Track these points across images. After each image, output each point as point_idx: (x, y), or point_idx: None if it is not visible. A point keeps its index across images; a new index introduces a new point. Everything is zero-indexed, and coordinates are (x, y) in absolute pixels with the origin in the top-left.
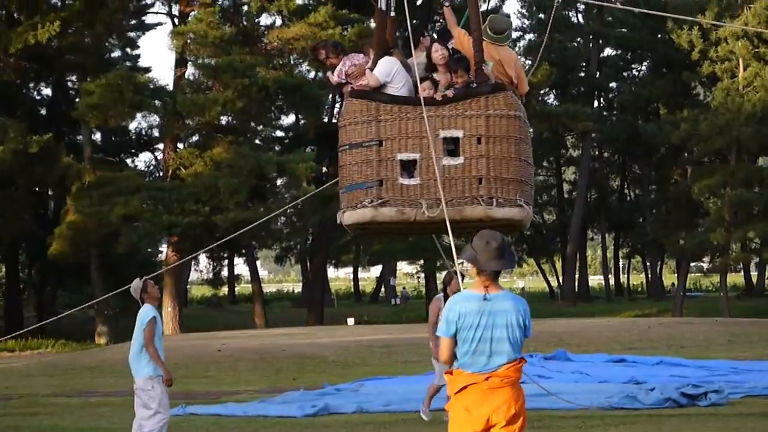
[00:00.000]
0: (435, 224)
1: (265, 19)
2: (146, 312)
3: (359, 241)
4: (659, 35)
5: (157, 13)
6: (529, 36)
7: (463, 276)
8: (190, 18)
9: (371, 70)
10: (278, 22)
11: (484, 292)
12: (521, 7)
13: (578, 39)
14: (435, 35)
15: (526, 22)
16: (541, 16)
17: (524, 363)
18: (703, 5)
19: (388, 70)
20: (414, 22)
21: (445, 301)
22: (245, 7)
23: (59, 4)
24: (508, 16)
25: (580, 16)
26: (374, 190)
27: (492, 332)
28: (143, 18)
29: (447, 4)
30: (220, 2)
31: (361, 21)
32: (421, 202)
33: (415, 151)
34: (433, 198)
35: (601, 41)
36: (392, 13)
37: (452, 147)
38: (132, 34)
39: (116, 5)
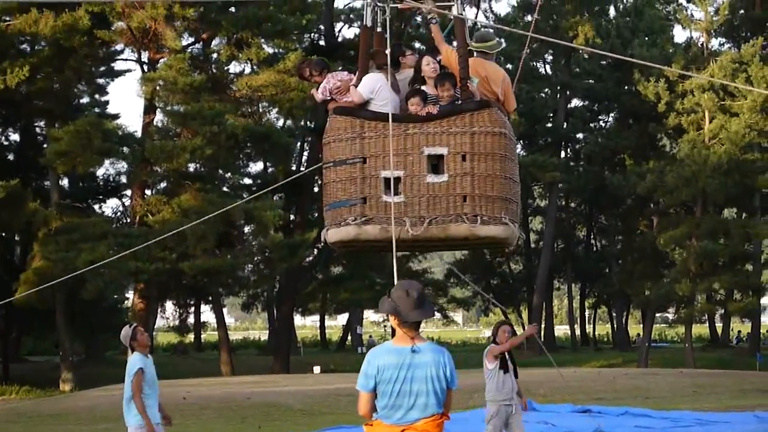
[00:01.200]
0: (419, 242)
1: (234, 67)
2: (133, 362)
3: (326, 289)
4: (626, 87)
5: (126, 59)
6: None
7: (512, 326)
8: (159, 65)
9: (355, 86)
10: (247, 69)
11: (407, 344)
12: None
13: (546, 90)
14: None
15: None
16: (509, 66)
17: (446, 419)
18: (669, 58)
19: (371, 87)
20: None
21: None
22: (215, 55)
23: (28, 49)
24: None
25: (548, 67)
26: (358, 208)
27: (411, 385)
28: (112, 64)
29: (434, 21)
30: (189, 49)
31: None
32: (405, 219)
33: (399, 169)
34: (417, 216)
35: (568, 92)
36: (378, 29)
37: (436, 164)
38: (101, 81)
39: (85, 51)
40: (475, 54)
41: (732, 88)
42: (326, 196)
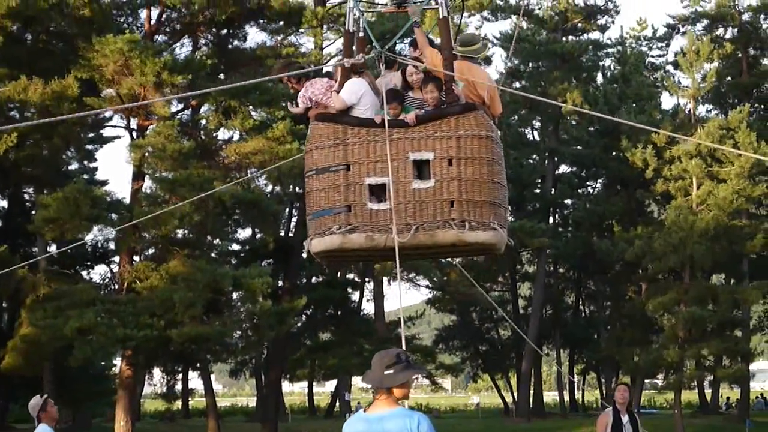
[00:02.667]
0: (405, 250)
1: (223, 134)
2: None
3: (314, 355)
4: (613, 153)
5: (115, 126)
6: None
7: (629, 387)
8: (148, 131)
9: (337, 92)
10: (236, 136)
11: (378, 411)
12: None
13: (534, 156)
14: (411, 47)
15: None
16: (498, 133)
17: None
18: (657, 124)
19: (354, 92)
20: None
21: (614, 415)
22: (204, 122)
23: (17, 116)
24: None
25: (536, 133)
26: (342, 216)
27: None
28: (101, 131)
29: (417, 24)
30: (178, 116)
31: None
32: (391, 227)
33: (384, 175)
34: (404, 223)
35: (556, 158)
36: (361, 34)
37: (422, 169)
38: (90, 147)
39: (74, 119)
40: (459, 58)
41: (719, 155)
42: (309, 205)
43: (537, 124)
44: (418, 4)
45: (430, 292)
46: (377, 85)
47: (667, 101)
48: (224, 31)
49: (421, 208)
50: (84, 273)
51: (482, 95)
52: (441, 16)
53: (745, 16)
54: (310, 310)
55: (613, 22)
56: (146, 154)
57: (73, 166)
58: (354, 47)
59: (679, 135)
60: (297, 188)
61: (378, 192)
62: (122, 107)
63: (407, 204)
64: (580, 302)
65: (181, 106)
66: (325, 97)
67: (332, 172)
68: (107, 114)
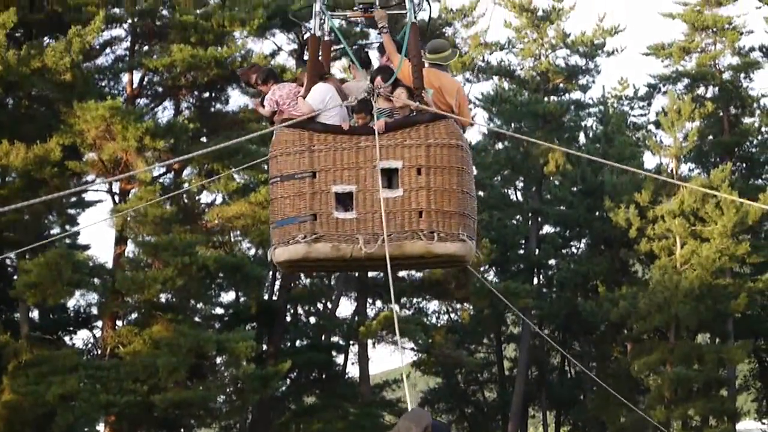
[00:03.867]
0: (373, 261)
1: (205, 197)
2: None
3: (299, 420)
4: (597, 213)
5: (97, 190)
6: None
7: None
8: (130, 195)
9: (303, 97)
10: (219, 200)
11: None
12: None
13: (517, 216)
14: (378, 53)
15: None
16: (481, 193)
17: None
18: (639, 184)
19: (321, 97)
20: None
21: None
22: (186, 185)
23: None
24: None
25: (519, 194)
26: (308, 225)
27: None
28: (83, 195)
29: (385, 30)
30: (160, 180)
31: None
32: (358, 237)
33: (351, 183)
34: (371, 233)
35: (539, 219)
36: (326, 38)
37: (391, 178)
38: (72, 211)
39: (56, 183)
40: (428, 65)
41: (702, 214)
42: (273, 213)
43: (520, 185)
44: (385, 9)
45: (415, 355)
46: (345, 91)
47: (650, 160)
48: (206, 94)
49: (389, 218)
50: (66, 338)
51: (451, 103)
52: (410, 22)
53: (726, 75)
54: (295, 374)
55: (594, 82)
56: (128, 219)
57: (55, 230)
58: (320, 52)
59: (680, 182)
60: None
61: (344, 201)
62: (113, 178)
63: (375, 213)
64: (566, 363)
65: (163, 170)
66: (291, 102)
67: (297, 180)
68: (89, 177)
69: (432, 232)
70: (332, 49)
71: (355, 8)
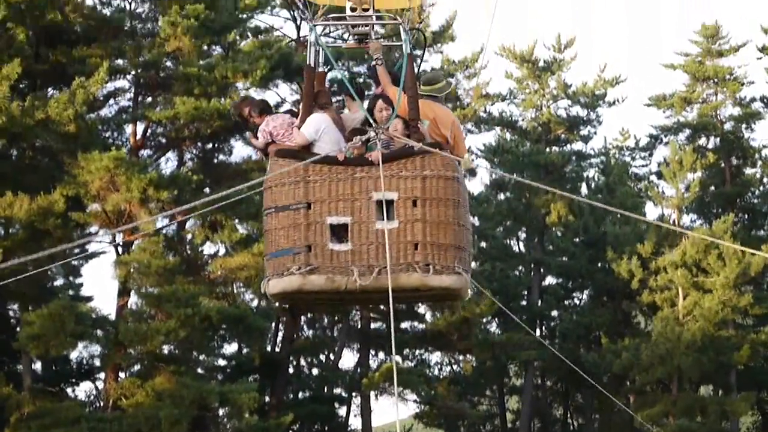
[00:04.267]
0: (368, 294)
1: (208, 248)
2: None
3: None
4: (599, 264)
5: (100, 241)
6: (471, 264)
7: None
8: (133, 247)
9: (299, 128)
10: (222, 251)
11: None
12: None
13: (519, 267)
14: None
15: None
16: (483, 244)
17: None
18: (641, 235)
19: (316, 128)
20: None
21: None
22: (189, 236)
23: (2, 232)
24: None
25: (521, 244)
26: (302, 256)
27: None
28: (87, 247)
29: (380, 62)
30: (164, 231)
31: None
32: (353, 269)
33: (346, 215)
34: (366, 264)
35: (542, 270)
36: (320, 68)
37: (386, 209)
38: (75, 263)
39: (60, 234)
40: (422, 96)
41: (705, 265)
42: (268, 244)
43: (522, 236)
44: (380, 40)
45: (417, 406)
46: (341, 122)
47: (652, 211)
48: (210, 146)
49: (384, 249)
50: (69, 390)
51: (446, 135)
52: (405, 53)
53: (727, 126)
54: (297, 426)
55: (596, 133)
56: (131, 270)
57: (58, 282)
58: (315, 82)
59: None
60: (284, 304)
61: (339, 232)
62: (117, 228)
63: (370, 245)
64: (569, 415)
65: (166, 221)
66: (286, 132)
67: (292, 211)
68: (93, 229)
69: (427, 265)
70: (327, 80)
71: (350, 40)
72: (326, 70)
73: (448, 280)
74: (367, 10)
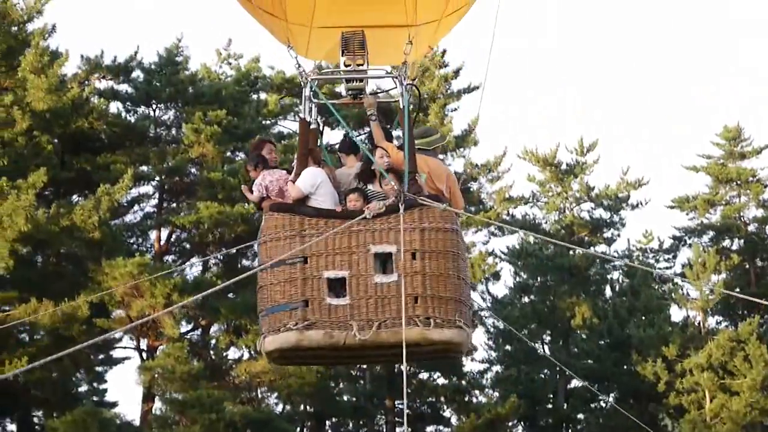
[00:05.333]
0: (367, 350)
1: (233, 353)
2: None
3: None
4: (624, 366)
5: (125, 347)
6: (497, 368)
7: None
8: (158, 352)
9: (293, 182)
10: (246, 355)
11: None
12: (488, 339)
13: (545, 371)
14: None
15: (493, 354)
16: (508, 348)
17: None
18: (666, 338)
19: (311, 181)
20: (349, 134)
21: None
22: (213, 341)
23: (27, 339)
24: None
25: (546, 348)
26: (299, 312)
27: None
28: (111, 352)
29: (374, 118)
30: (188, 336)
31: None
32: (352, 323)
33: (343, 269)
34: (365, 319)
35: (567, 373)
36: (313, 125)
37: (384, 263)
38: (99, 369)
39: (84, 340)
40: (416, 150)
41: (731, 367)
42: (262, 300)
43: (547, 338)
44: (375, 96)
45: None
46: (335, 178)
47: (677, 313)
48: (233, 250)
49: (384, 303)
50: None
51: (441, 188)
52: (405, 107)
53: (751, 228)
54: None
55: (619, 235)
56: (156, 376)
57: (83, 388)
58: (310, 136)
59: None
60: (308, 407)
61: (337, 286)
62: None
63: (368, 299)
64: None
65: (190, 326)
66: (281, 188)
67: (288, 265)
68: (117, 335)
69: (428, 318)
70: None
71: (344, 95)
72: (321, 127)
73: (450, 334)
74: (361, 65)
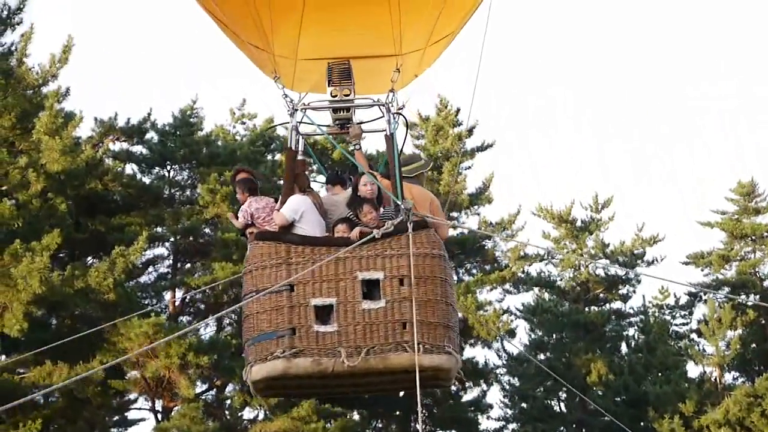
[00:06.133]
0: (356, 377)
1: (248, 413)
2: None
3: None
4: (641, 423)
5: (140, 408)
6: (512, 426)
7: None
8: (173, 413)
9: (278, 210)
10: (261, 415)
11: None
12: (503, 397)
13: (561, 428)
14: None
15: (509, 411)
16: (524, 405)
17: None
18: (683, 394)
19: (295, 208)
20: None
21: None
22: (228, 401)
23: (41, 401)
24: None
25: (562, 405)
26: (286, 340)
27: None
28: (126, 414)
29: (358, 147)
30: (203, 396)
31: (344, 414)
32: (340, 350)
33: (330, 296)
34: (353, 345)
35: (584, 430)
36: (300, 156)
37: (372, 289)
38: (114, 430)
39: (99, 402)
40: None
41: (748, 423)
42: (248, 330)
43: (563, 395)
44: (360, 125)
45: None
46: (322, 206)
47: (693, 369)
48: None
49: (372, 330)
50: None
51: (424, 215)
52: (392, 133)
53: (767, 283)
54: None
55: (634, 292)
56: None
57: None
58: (298, 164)
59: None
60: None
61: (324, 314)
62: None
63: (356, 326)
64: None
65: (205, 386)
66: (266, 216)
67: (275, 293)
68: (132, 396)
69: (417, 344)
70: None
71: (331, 125)
72: (307, 158)
73: (439, 360)
74: (348, 95)
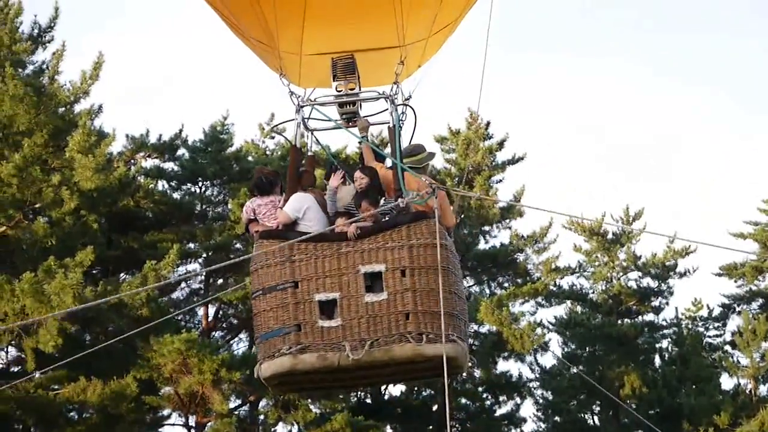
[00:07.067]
0: (362, 371)
1: (281, 429)
2: None
3: None
4: None
5: (173, 424)
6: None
7: None
8: (206, 429)
9: (281, 207)
10: (295, 430)
11: None
12: (537, 410)
13: None
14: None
15: (543, 425)
16: (558, 419)
17: None
18: (717, 406)
19: (298, 206)
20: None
21: None
22: (262, 417)
23: (76, 417)
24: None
25: (596, 418)
26: (292, 336)
27: None
28: (159, 430)
29: (366, 140)
30: (237, 412)
31: (376, 427)
32: (345, 344)
33: (334, 291)
34: (357, 339)
35: None
36: (303, 150)
37: (374, 282)
38: None
39: (133, 417)
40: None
41: None
42: (258, 328)
43: (596, 409)
44: (367, 119)
45: None
46: (325, 203)
47: (728, 381)
48: None
49: (375, 322)
50: None
51: (431, 205)
52: (396, 125)
53: None
54: None
55: (667, 304)
56: None
57: None
58: (302, 162)
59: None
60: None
61: (328, 308)
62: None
63: (360, 319)
64: None
65: (239, 401)
66: (268, 212)
67: (279, 291)
68: (165, 412)
69: (420, 334)
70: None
71: (338, 120)
72: (313, 153)
73: (443, 348)
74: (353, 89)
